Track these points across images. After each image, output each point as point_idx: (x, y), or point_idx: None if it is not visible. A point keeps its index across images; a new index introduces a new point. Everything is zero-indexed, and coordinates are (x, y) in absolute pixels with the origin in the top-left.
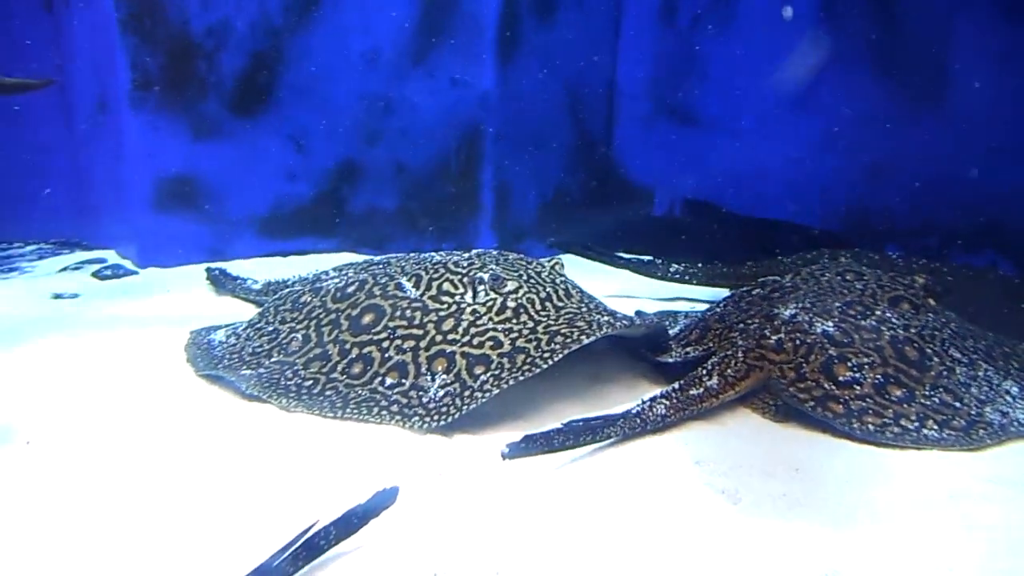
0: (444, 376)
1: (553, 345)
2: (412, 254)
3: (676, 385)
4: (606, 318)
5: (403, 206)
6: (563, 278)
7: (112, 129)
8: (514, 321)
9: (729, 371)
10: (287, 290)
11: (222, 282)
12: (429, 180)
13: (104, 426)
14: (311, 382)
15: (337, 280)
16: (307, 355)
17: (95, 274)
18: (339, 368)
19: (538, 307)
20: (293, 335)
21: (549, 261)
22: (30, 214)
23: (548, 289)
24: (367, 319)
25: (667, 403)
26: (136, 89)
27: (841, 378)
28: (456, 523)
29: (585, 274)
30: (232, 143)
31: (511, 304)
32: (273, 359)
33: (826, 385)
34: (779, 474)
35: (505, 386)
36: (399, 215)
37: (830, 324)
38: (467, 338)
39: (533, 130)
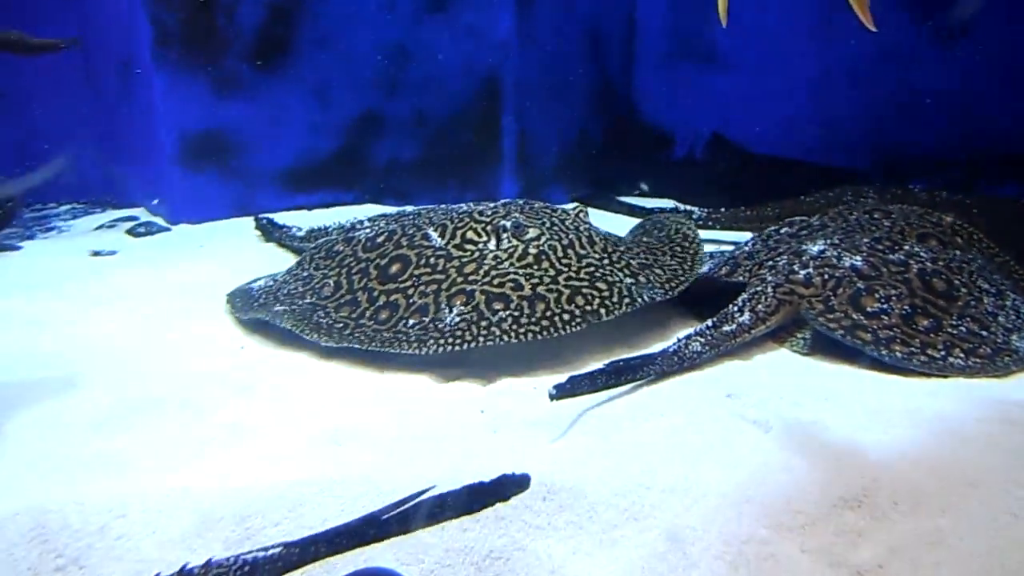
0: (462, 307)
1: (573, 307)
2: (442, 206)
3: (709, 322)
4: (627, 280)
5: (425, 156)
6: (587, 225)
7: (136, 88)
8: (535, 267)
9: (760, 306)
10: (323, 239)
11: (270, 231)
12: (450, 130)
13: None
14: (341, 325)
15: (369, 230)
16: (338, 300)
17: (129, 231)
18: (367, 315)
19: (560, 254)
20: (326, 281)
21: (573, 209)
22: (61, 175)
23: (571, 236)
24: (394, 268)
25: (702, 340)
26: (157, 46)
27: (869, 309)
28: (501, 458)
29: (608, 225)
30: (254, 97)
31: (532, 251)
32: (306, 300)
33: (855, 316)
34: (808, 404)
35: (522, 338)
36: (421, 166)
37: (858, 259)
38: (487, 279)
39: (553, 76)
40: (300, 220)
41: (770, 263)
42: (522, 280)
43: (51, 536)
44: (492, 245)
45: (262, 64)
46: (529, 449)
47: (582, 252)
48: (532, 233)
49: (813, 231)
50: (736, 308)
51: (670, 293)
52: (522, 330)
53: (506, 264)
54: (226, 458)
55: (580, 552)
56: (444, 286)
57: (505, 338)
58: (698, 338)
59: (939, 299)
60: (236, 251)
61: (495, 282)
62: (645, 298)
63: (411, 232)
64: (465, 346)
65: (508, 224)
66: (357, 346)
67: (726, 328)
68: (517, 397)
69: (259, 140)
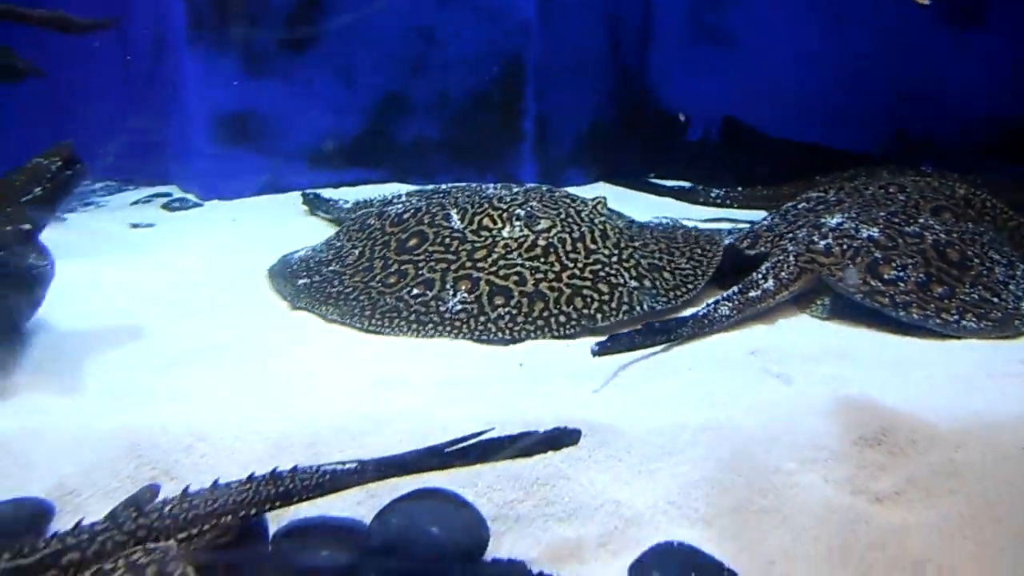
0: (465, 294)
1: (570, 309)
2: (472, 185)
3: (735, 289)
4: (632, 284)
5: (447, 137)
6: (603, 218)
7: (169, 68)
8: (542, 260)
9: (783, 273)
10: (361, 212)
11: (316, 204)
12: (472, 110)
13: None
14: (350, 290)
15: (400, 206)
16: (357, 267)
17: (164, 206)
18: (377, 278)
19: (568, 248)
20: (352, 251)
21: (593, 200)
22: (95, 153)
23: (583, 228)
24: (412, 243)
25: (729, 305)
26: (191, 27)
27: (886, 276)
28: (543, 402)
29: (627, 203)
30: (284, 78)
31: (541, 243)
32: (330, 267)
33: (872, 282)
34: (828, 360)
35: (517, 335)
36: (444, 146)
37: (875, 230)
38: (494, 268)
39: (573, 58)
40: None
41: (790, 235)
42: (527, 274)
43: (144, 452)
44: (505, 233)
45: (292, 45)
46: (568, 395)
47: (592, 247)
48: (544, 224)
49: (830, 206)
50: (760, 275)
51: (672, 303)
52: (518, 328)
53: (515, 254)
54: (288, 397)
55: (620, 481)
56: (453, 267)
57: (500, 335)
58: (725, 303)
59: (953, 268)
60: (268, 224)
61: (501, 273)
62: (645, 307)
63: (435, 211)
64: (461, 337)
65: (521, 213)
66: (357, 326)
67: (752, 294)
68: (552, 354)
69: (288, 120)
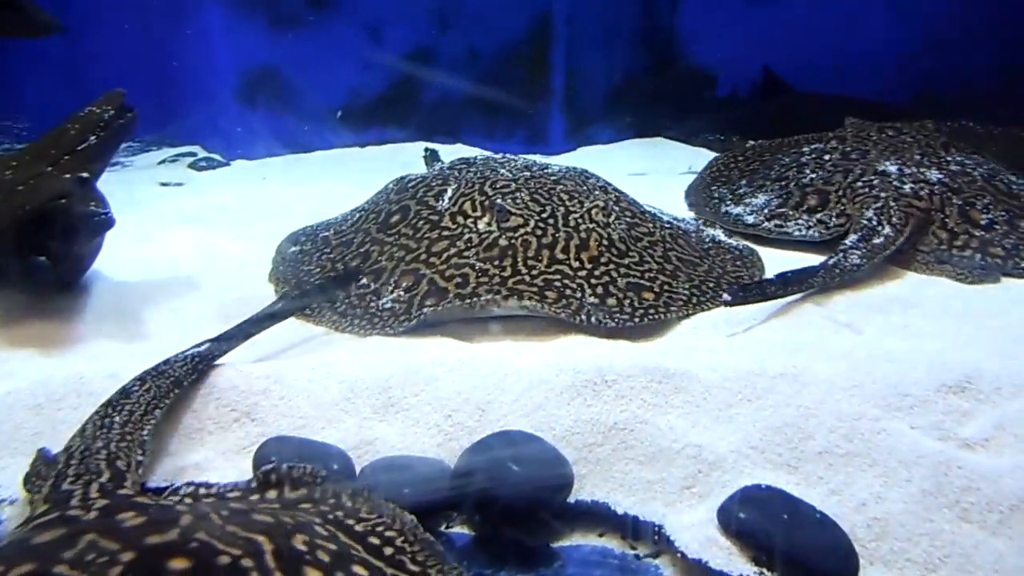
0: (402, 292)
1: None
2: (520, 159)
3: (856, 237)
4: (589, 299)
5: (475, 93)
6: (593, 225)
7: (192, 25)
8: (495, 263)
9: (895, 219)
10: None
11: (430, 161)
12: (501, 66)
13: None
14: (317, 269)
15: (425, 174)
16: (341, 238)
17: (191, 165)
18: (347, 256)
19: (530, 253)
20: (354, 216)
21: (593, 205)
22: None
23: (559, 235)
24: (394, 219)
25: (858, 252)
26: None
27: (982, 221)
28: (617, 347)
29: (664, 153)
30: (309, 33)
31: (502, 242)
32: (324, 234)
33: (976, 232)
34: (895, 310)
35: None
36: (471, 102)
37: (935, 172)
38: (444, 266)
39: (602, 13)
40: (352, 157)
41: (858, 184)
42: (472, 276)
43: (222, 394)
44: (481, 225)
45: (317, 1)
46: (639, 342)
47: (560, 257)
48: (514, 222)
49: (862, 153)
50: (874, 223)
51: (630, 322)
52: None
53: (471, 252)
54: (353, 344)
55: (699, 425)
56: (408, 258)
57: (400, 328)
58: (854, 251)
59: (1012, 199)
60: (299, 183)
61: (447, 273)
62: (593, 320)
63: (437, 184)
64: (378, 333)
65: (500, 204)
66: (304, 320)
67: (876, 241)
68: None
69: (313, 76)
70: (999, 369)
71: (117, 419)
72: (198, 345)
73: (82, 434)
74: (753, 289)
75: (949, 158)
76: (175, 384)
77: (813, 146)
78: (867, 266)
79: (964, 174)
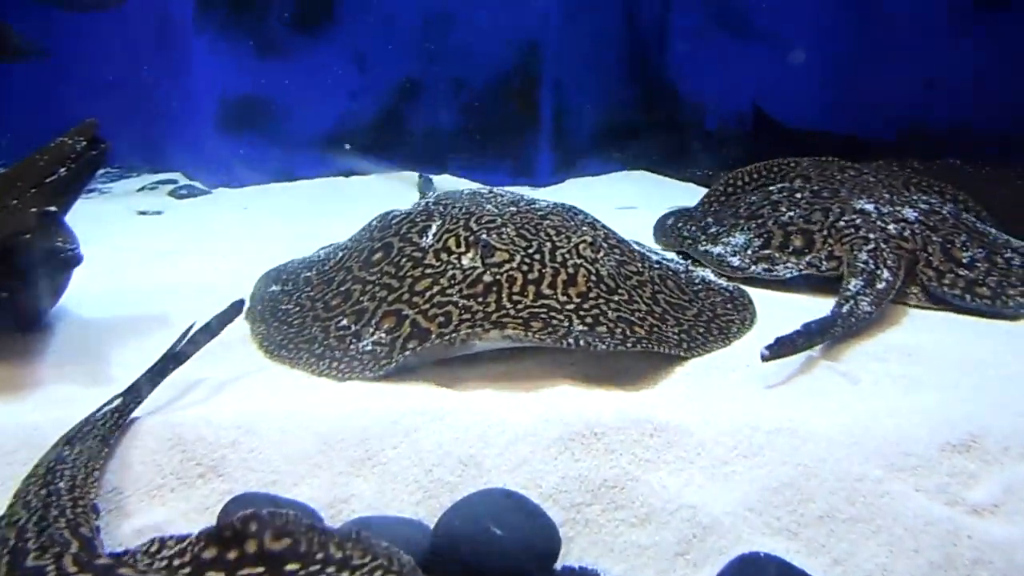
0: (383, 335)
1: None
2: (508, 194)
3: (856, 284)
4: (577, 327)
5: (463, 124)
6: (581, 260)
7: (175, 51)
8: (479, 299)
9: (889, 261)
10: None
11: (423, 189)
12: (489, 98)
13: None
14: (297, 309)
15: (413, 207)
16: (323, 276)
17: (171, 193)
18: (327, 297)
19: (516, 288)
20: (339, 253)
21: (580, 240)
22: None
23: (546, 270)
24: (376, 256)
25: (867, 299)
26: (200, 9)
27: (963, 259)
28: (605, 397)
29: (651, 187)
30: (295, 63)
31: (487, 278)
32: (307, 273)
33: (960, 271)
34: (892, 359)
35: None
36: (459, 134)
37: (910, 210)
38: (427, 305)
39: (590, 46)
40: (338, 187)
41: (840, 223)
42: (455, 313)
43: (187, 446)
44: (465, 261)
45: (303, 29)
46: (629, 390)
47: (547, 292)
48: (499, 258)
49: (831, 190)
50: (869, 267)
51: (619, 346)
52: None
53: (454, 290)
54: (335, 390)
55: (693, 484)
56: (390, 298)
57: (380, 372)
58: (863, 298)
59: (982, 236)
60: (282, 213)
61: (430, 313)
62: (582, 342)
63: (421, 220)
64: (355, 376)
65: (485, 240)
66: (279, 357)
67: (879, 286)
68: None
69: (299, 105)
70: (1005, 426)
71: (62, 485)
72: (111, 401)
73: (26, 505)
74: (786, 344)
75: (915, 197)
76: (103, 443)
77: (780, 184)
78: (876, 312)
79: (934, 212)
